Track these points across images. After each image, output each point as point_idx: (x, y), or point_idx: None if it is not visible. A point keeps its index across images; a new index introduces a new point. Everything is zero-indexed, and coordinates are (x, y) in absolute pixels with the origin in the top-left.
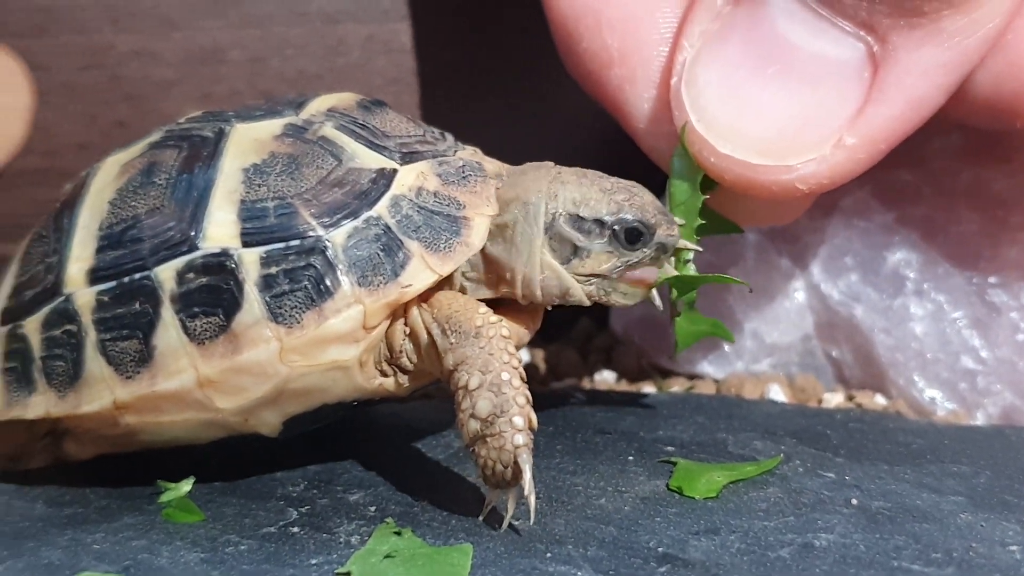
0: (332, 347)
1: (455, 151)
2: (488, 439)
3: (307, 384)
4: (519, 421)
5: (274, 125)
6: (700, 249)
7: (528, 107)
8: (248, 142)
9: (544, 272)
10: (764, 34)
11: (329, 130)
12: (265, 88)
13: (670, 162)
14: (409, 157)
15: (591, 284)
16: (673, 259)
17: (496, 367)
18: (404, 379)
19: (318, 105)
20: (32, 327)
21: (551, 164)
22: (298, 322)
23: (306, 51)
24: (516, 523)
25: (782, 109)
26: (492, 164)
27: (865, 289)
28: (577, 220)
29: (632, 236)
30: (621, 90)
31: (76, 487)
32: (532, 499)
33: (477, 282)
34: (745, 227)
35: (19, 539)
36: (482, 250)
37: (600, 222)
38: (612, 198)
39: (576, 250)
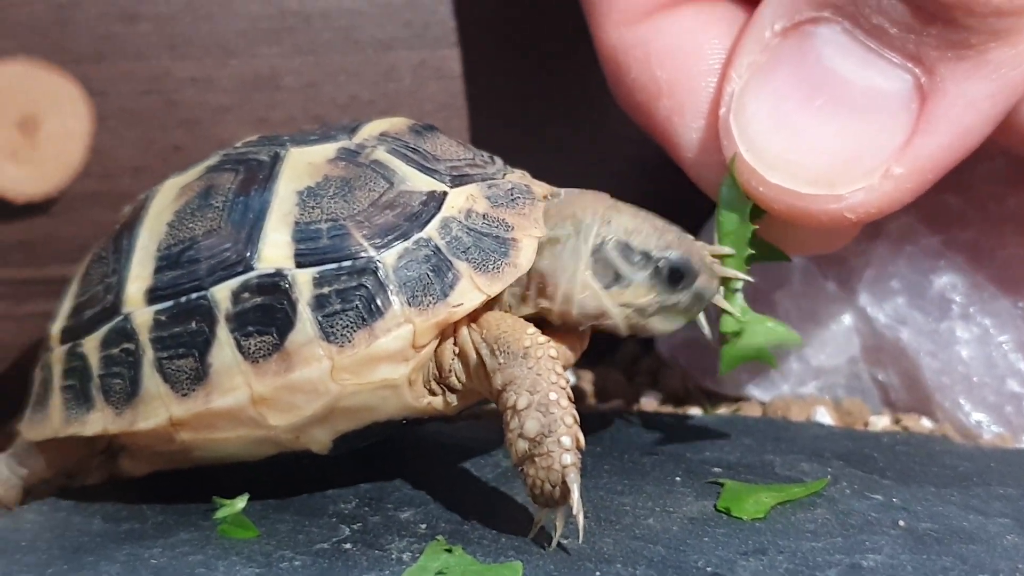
0: (382, 366)
1: (504, 174)
2: (536, 459)
3: (357, 402)
4: (567, 441)
5: (328, 149)
6: (750, 279)
7: (576, 132)
8: (303, 166)
9: (584, 292)
10: (812, 65)
11: (381, 154)
12: (319, 113)
13: (718, 192)
14: (459, 180)
15: (625, 312)
16: (722, 288)
17: (544, 387)
18: (453, 398)
19: (371, 130)
20: (91, 345)
21: (608, 195)
22: (349, 341)
23: (359, 77)
24: (565, 542)
25: (831, 139)
26: (541, 187)
27: (911, 312)
28: (625, 248)
29: (674, 276)
30: (670, 121)
31: (133, 503)
32: (580, 518)
33: (519, 298)
34: (792, 255)
35: (78, 554)
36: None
37: (647, 255)
38: (663, 236)
39: (618, 278)
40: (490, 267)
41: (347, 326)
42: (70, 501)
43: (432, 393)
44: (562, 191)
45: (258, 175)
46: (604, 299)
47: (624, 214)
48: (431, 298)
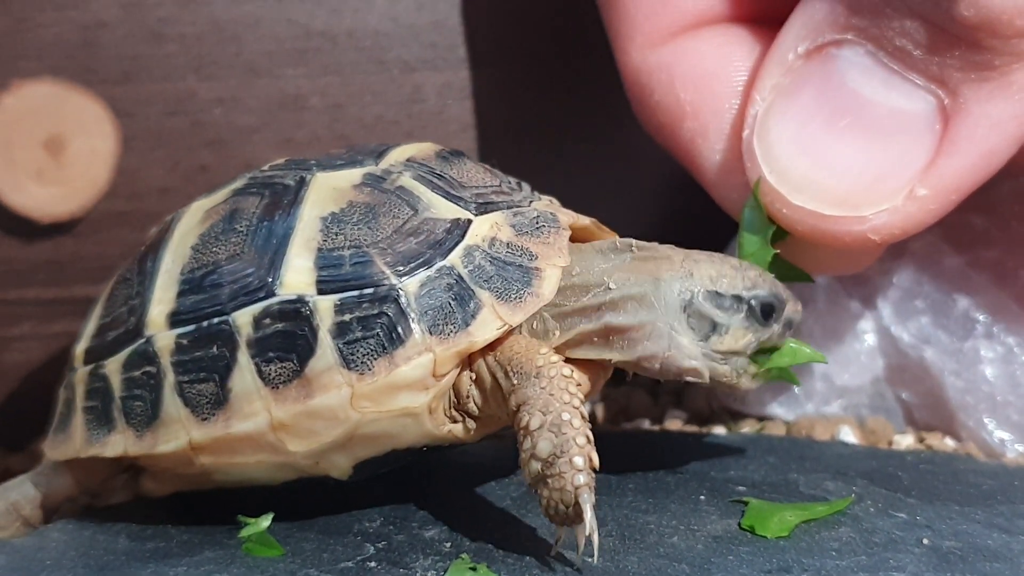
0: (402, 394)
1: (531, 201)
2: (549, 479)
3: (377, 430)
4: (579, 461)
5: (354, 175)
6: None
7: (598, 152)
8: (327, 191)
9: (671, 349)
10: (835, 87)
11: (407, 180)
12: (344, 133)
13: (741, 214)
14: (484, 207)
15: (726, 363)
16: None
17: (556, 407)
18: (472, 425)
19: (397, 155)
20: (113, 367)
21: (674, 248)
22: (370, 369)
23: (384, 98)
24: (589, 560)
25: (855, 161)
26: (568, 215)
27: (936, 332)
28: (716, 296)
29: (767, 311)
30: (693, 143)
31: (158, 522)
32: (595, 537)
33: (553, 326)
34: (815, 276)
35: (103, 572)
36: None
37: (738, 298)
38: (745, 274)
39: (715, 327)
40: (512, 297)
41: (368, 354)
42: (95, 520)
43: (452, 420)
44: (629, 242)
45: (283, 199)
46: (694, 352)
47: (701, 263)
48: (452, 327)
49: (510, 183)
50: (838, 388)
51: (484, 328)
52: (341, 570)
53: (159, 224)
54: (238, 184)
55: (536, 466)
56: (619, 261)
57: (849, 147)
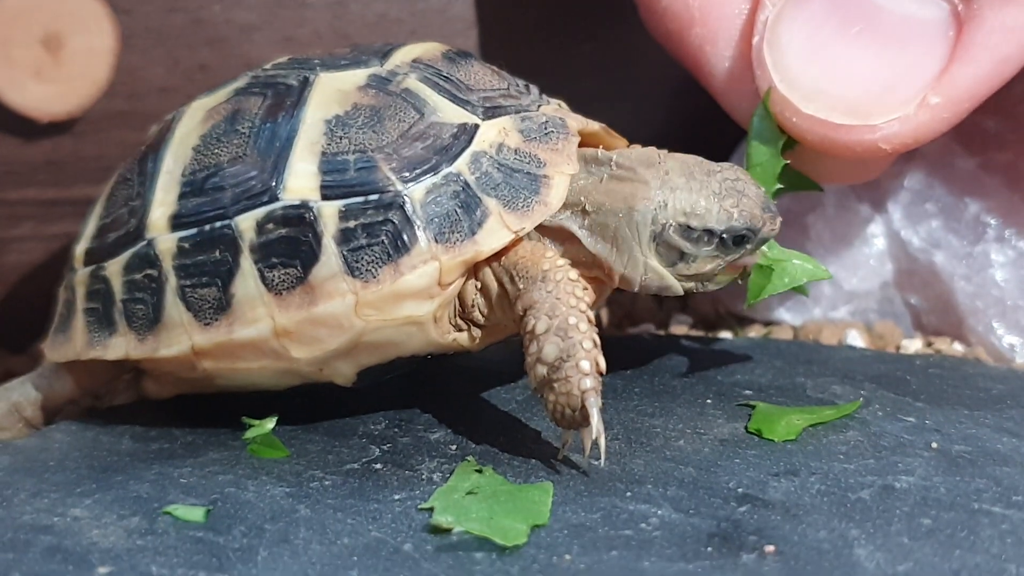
0: (407, 303)
1: (539, 105)
2: (555, 383)
3: (382, 338)
4: (586, 365)
5: (358, 76)
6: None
7: (605, 52)
8: (332, 92)
9: (648, 273)
10: None
11: (413, 82)
12: (346, 32)
13: (750, 122)
14: (492, 112)
15: (690, 282)
16: None
17: (563, 311)
18: (478, 333)
19: (403, 55)
20: (114, 269)
21: (656, 154)
22: (374, 277)
23: None
24: (595, 463)
25: (866, 69)
26: (576, 120)
27: (946, 236)
28: (687, 230)
29: (739, 241)
30: (702, 50)
31: (162, 423)
32: (602, 441)
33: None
34: (824, 185)
35: (107, 473)
36: (580, 242)
37: (710, 231)
38: (722, 205)
39: (683, 256)
40: (520, 205)
41: (372, 261)
42: (99, 421)
43: (457, 329)
44: (609, 157)
45: (286, 100)
46: (667, 278)
47: (678, 191)
48: (458, 235)
49: (518, 86)
50: (846, 293)
51: (491, 237)
52: (347, 471)
53: (158, 123)
54: (240, 83)
55: (542, 370)
56: (596, 177)
57: (861, 55)
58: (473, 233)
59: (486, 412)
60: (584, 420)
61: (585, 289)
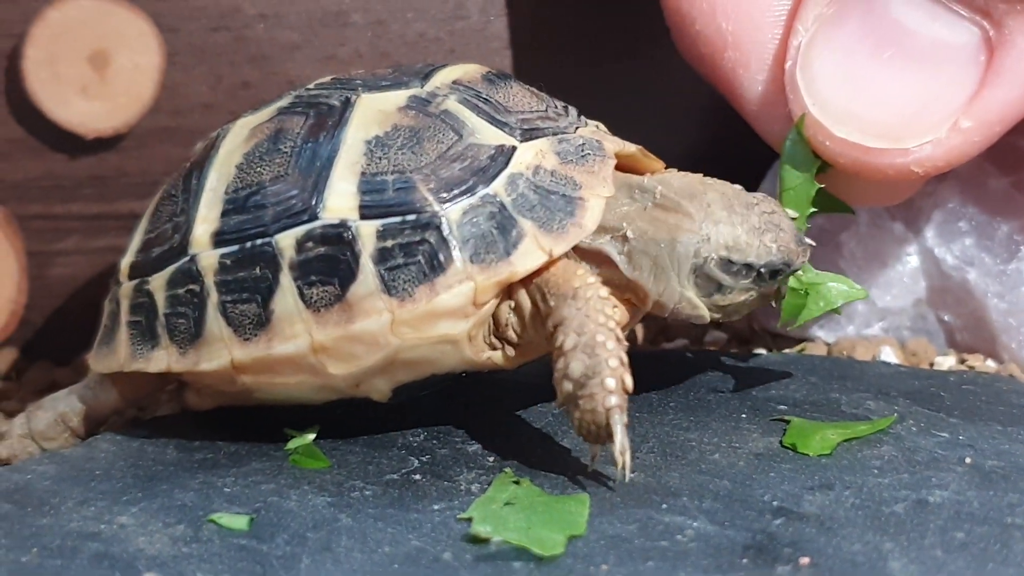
0: (442, 322)
1: (577, 127)
2: (580, 400)
3: (417, 355)
4: (611, 383)
5: (399, 97)
6: (812, 244)
7: (640, 72)
8: (372, 113)
9: (681, 302)
10: (879, 19)
11: (452, 104)
12: (386, 51)
13: (782, 145)
14: (529, 134)
15: (720, 312)
16: None
17: (591, 328)
18: (511, 352)
19: (443, 77)
20: (157, 284)
21: (698, 183)
22: (410, 296)
23: (426, 15)
24: (632, 476)
25: (898, 93)
26: (613, 143)
27: (979, 254)
28: (727, 264)
29: (774, 275)
30: (735, 73)
31: (205, 434)
32: (627, 457)
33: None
34: (857, 207)
35: (153, 482)
36: (616, 267)
37: (749, 266)
38: (761, 240)
39: (720, 287)
40: (555, 227)
41: (409, 280)
42: (143, 431)
43: (491, 348)
44: (654, 186)
45: (327, 121)
46: (701, 307)
47: (720, 224)
48: (494, 256)
49: (556, 108)
50: (880, 310)
51: (525, 258)
52: (387, 482)
53: (204, 140)
54: (283, 103)
55: (568, 386)
56: (640, 205)
57: (893, 79)
58: (508, 254)
59: (522, 425)
60: (609, 436)
61: (615, 308)
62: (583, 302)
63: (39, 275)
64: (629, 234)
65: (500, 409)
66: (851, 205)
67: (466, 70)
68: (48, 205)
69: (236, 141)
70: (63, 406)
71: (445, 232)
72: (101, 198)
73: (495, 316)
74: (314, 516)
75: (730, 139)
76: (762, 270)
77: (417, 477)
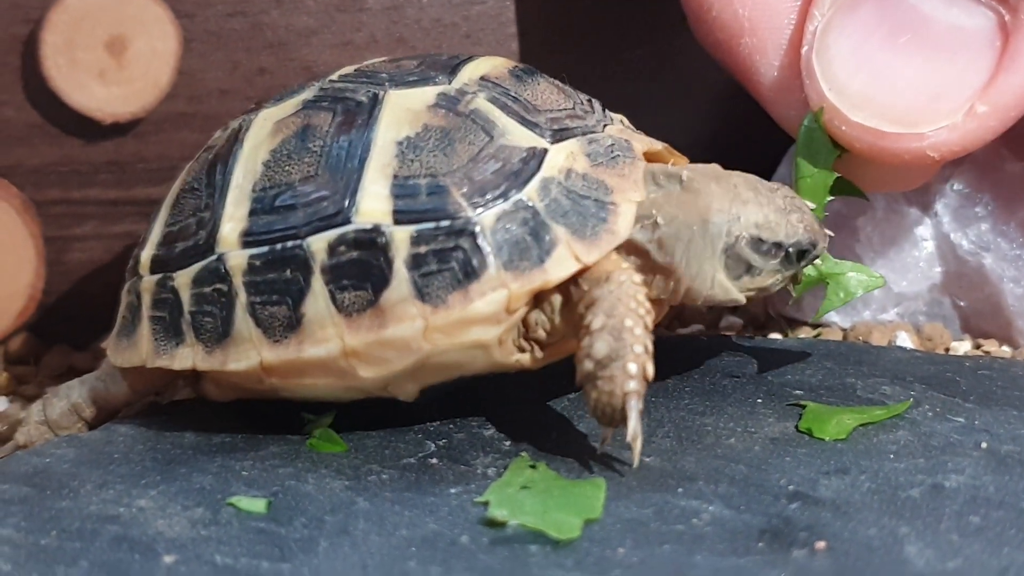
0: (475, 328)
1: (604, 125)
2: (599, 381)
3: (447, 360)
4: (633, 368)
5: (427, 94)
6: (831, 234)
7: (655, 58)
8: (401, 111)
9: (714, 287)
10: (895, 4)
11: (481, 102)
12: (402, 36)
13: (798, 132)
14: (559, 134)
15: (751, 294)
16: None
17: (621, 312)
18: (539, 354)
19: (471, 72)
20: (182, 281)
21: (721, 171)
22: (444, 302)
23: (442, 0)
24: (648, 460)
25: (914, 78)
26: (640, 141)
27: (995, 239)
28: (758, 243)
29: (802, 256)
30: (751, 59)
31: (222, 417)
32: (638, 443)
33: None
34: (872, 192)
35: (171, 465)
36: (648, 255)
37: (779, 244)
38: (788, 219)
39: (749, 269)
40: (588, 233)
41: (442, 287)
42: (162, 416)
43: (520, 350)
44: (683, 176)
45: (356, 119)
46: (733, 291)
47: (749, 204)
48: (527, 263)
49: (583, 104)
50: (895, 295)
51: (559, 266)
52: (403, 466)
53: (223, 129)
54: (308, 95)
55: (589, 365)
56: (667, 191)
57: (908, 64)
58: (542, 261)
59: (538, 410)
60: (623, 420)
61: (647, 295)
62: (616, 285)
63: (57, 260)
64: (660, 220)
65: (516, 394)
66: (867, 191)
67: (493, 64)
68: (65, 190)
69: (261, 135)
70: (76, 396)
71: (479, 238)
72: (118, 183)
73: (525, 319)
74: (332, 499)
75: (746, 125)
76: (790, 249)
77: (434, 461)
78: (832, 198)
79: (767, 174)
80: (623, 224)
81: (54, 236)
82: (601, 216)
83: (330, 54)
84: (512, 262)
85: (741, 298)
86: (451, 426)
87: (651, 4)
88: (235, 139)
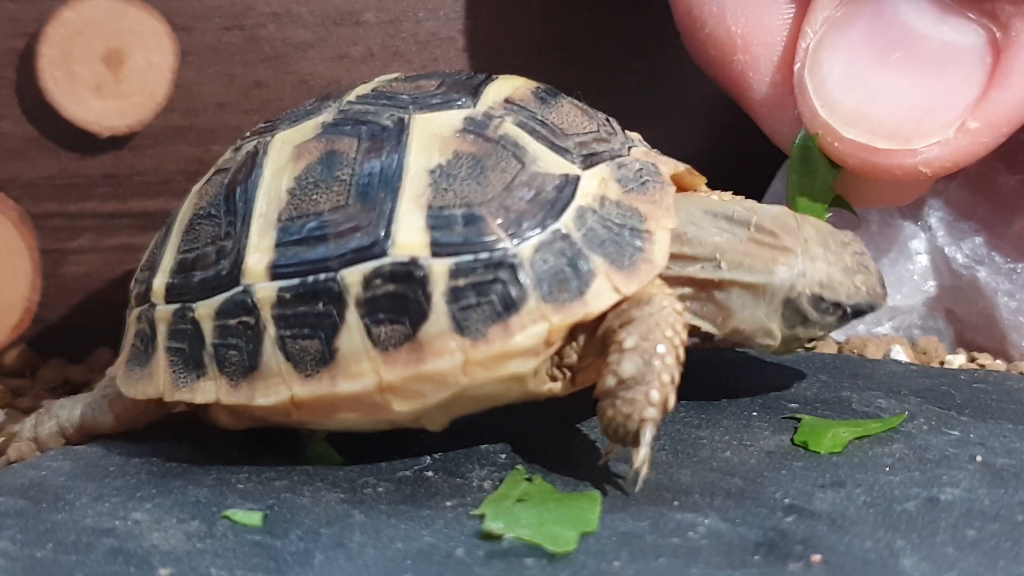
0: (514, 361)
1: (628, 147)
2: (618, 401)
3: (483, 392)
4: (655, 396)
5: (454, 118)
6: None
7: (657, 70)
8: (430, 138)
9: (758, 332)
10: (887, 21)
11: (510, 127)
12: (399, 50)
13: (792, 147)
14: (589, 160)
15: (795, 344)
16: None
17: (656, 336)
18: (569, 381)
19: (495, 94)
20: (204, 312)
21: (791, 218)
22: (483, 336)
23: (438, 14)
24: (631, 489)
25: (906, 94)
26: (666, 165)
27: (989, 252)
28: (819, 300)
29: (857, 315)
30: (744, 76)
31: (218, 431)
32: (644, 470)
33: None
34: (865, 208)
35: (167, 478)
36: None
37: (838, 304)
38: (853, 280)
39: (805, 321)
40: (626, 263)
41: (482, 320)
42: (157, 428)
43: (552, 379)
44: (747, 218)
45: (383, 145)
46: (777, 338)
47: (817, 261)
48: (567, 295)
49: (605, 125)
50: (890, 309)
51: (599, 298)
52: (399, 479)
53: (234, 151)
54: (326, 117)
55: (612, 381)
56: (733, 236)
57: (900, 80)
58: (582, 293)
59: (535, 423)
60: (634, 444)
61: (685, 327)
62: (657, 308)
63: (53, 273)
64: (723, 265)
65: (512, 407)
66: (861, 206)
67: (515, 86)
68: (62, 203)
69: (281, 160)
70: (64, 417)
71: (519, 271)
72: (115, 196)
73: (559, 349)
74: (327, 512)
75: (739, 140)
76: (848, 310)
77: (430, 474)
78: (829, 214)
79: (762, 187)
80: (659, 253)
81: (50, 249)
82: (637, 245)
83: (327, 67)
84: (552, 294)
85: (776, 345)
86: (447, 438)
87: (648, 19)
88: (252, 163)
